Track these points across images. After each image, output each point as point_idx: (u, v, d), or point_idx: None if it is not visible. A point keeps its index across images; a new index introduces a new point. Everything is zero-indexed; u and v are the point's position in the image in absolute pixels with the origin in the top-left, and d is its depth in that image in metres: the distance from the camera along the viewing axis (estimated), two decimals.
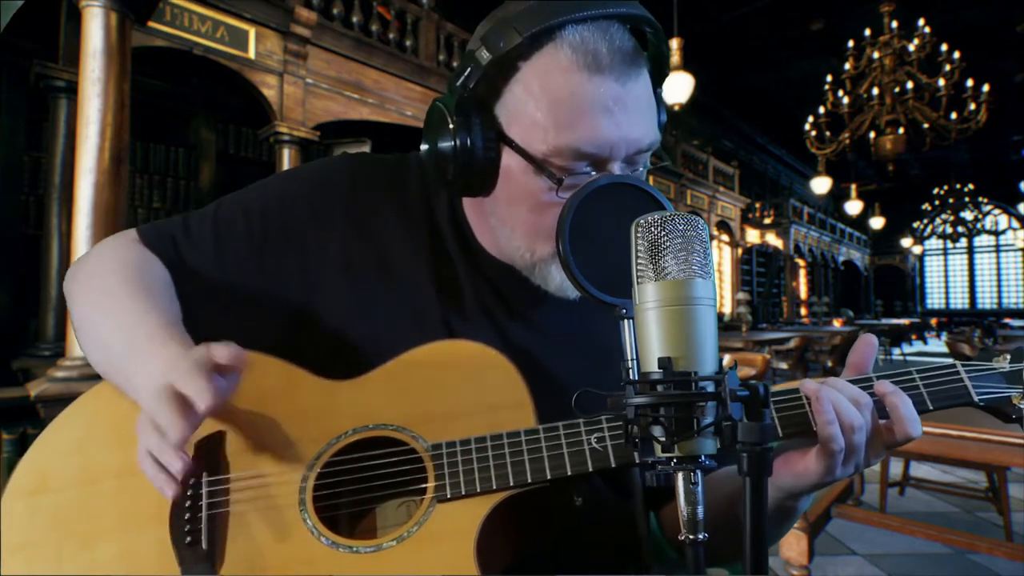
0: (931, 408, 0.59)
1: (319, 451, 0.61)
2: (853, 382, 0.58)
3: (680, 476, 0.41)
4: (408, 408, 0.63)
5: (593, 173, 0.61)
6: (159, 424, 0.51)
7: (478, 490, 0.58)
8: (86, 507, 0.60)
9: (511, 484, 0.58)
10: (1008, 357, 0.61)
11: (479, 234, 0.72)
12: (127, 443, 0.60)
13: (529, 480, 0.58)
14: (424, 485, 0.60)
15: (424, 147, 0.67)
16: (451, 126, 0.62)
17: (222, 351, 0.55)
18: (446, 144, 0.62)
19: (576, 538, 0.67)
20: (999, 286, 20.67)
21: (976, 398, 0.59)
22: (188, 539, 0.57)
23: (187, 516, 0.58)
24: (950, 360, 0.62)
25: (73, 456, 0.62)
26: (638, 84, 0.61)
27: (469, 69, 0.61)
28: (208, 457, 0.60)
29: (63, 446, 0.63)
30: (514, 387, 0.62)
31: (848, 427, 0.53)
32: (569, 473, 0.58)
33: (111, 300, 0.65)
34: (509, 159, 0.62)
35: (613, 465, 0.58)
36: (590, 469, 0.58)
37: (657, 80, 0.66)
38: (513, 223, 0.65)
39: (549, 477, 0.58)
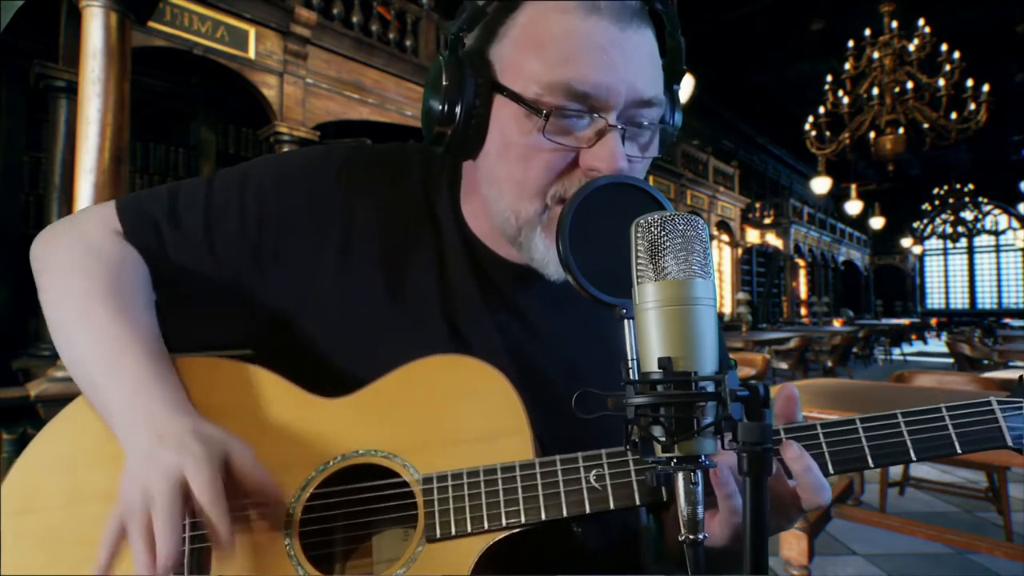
0: (960, 452, 0.54)
1: (307, 478, 0.59)
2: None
3: (680, 476, 0.41)
4: (401, 432, 0.60)
5: (586, 120, 0.58)
6: (164, 526, 0.50)
7: (469, 530, 0.55)
8: (74, 530, 0.58)
9: (504, 525, 0.55)
10: None
11: (474, 226, 0.70)
12: (113, 461, 0.58)
13: (523, 521, 0.55)
14: (414, 513, 0.57)
15: (423, 103, 0.65)
16: (444, 80, 0.59)
17: (247, 467, 0.54)
18: (438, 97, 0.60)
19: (576, 566, 0.65)
20: (999, 286, 20.68)
21: (1010, 441, 0.53)
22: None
23: None
24: (985, 397, 0.56)
25: (60, 474, 0.60)
26: (638, 34, 0.58)
27: (466, 12, 0.60)
28: None
29: (50, 462, 0.61)
30: (512, 412, 0.59)
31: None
32: (565, 515, 0.55)
33: (89, 315, 0.62)
34: (501, 107, 0.59)
35: (612, 507, 0.55)
36: (587, 511, 0.55)
37: (671, 74, 0.64)
38: (501, 180, 0.62)
39: (544, 519, 0.55)
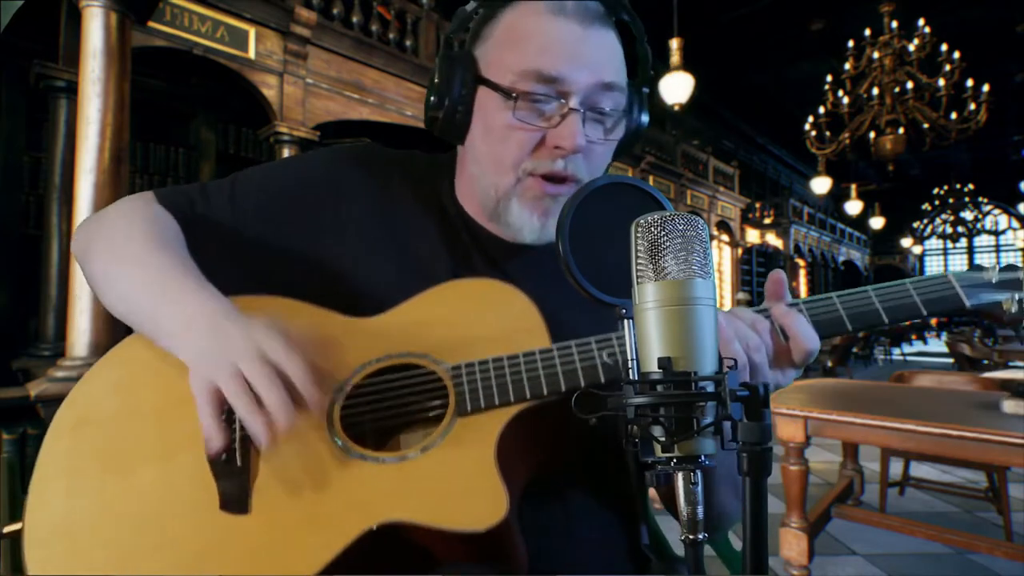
0: (925, 314, 0.63)
1: (346, 378, 0.65)
2: (758, 310, 0.64)
3: (680, 476, 0.41)
4: (429, 337, 0.67)
5: (553, 104, 0.67)
6: (262, 375, 0.56)
7: (496, 403, 0.62)
8: (128, 437, 0.63)
9: (528, 396, 0.62)
10: (997, 268, 0.65)
11: (467, 207, 0.79)
12: (167, 385, 0.64)
13: (545, 392, 0.62)
14: (444, 412, 0.63)
15: (426, 94, 0.75)
16: (436, 77, 0.71)
17: (303, 343, 0.60)
18: (433, 89, 0.71)
19: (591, 456, 0.72)
20: None
21: (967, 303, 0.63)
22: (224, 456, 0.60)
23: None
24: (940, 272, 0.68)
25: (114, 396, 0.65)
26: (600, 33, 0.68)
27: (459, 17, 0.72)
28: None
29: (103, 387, 0.66)
30: (528, 313, 0.67)
31: (747, 346, 0.59)
32: (583, 385, 0.62)
33: (133, 251, 0.68)
34: (484, 97, 0.70)
35: None
36: (602, 381, 0.62)
37: (641, 79, 0.74)
38: (484, 160, 0.72)
39: (564, 389, 0.62)
